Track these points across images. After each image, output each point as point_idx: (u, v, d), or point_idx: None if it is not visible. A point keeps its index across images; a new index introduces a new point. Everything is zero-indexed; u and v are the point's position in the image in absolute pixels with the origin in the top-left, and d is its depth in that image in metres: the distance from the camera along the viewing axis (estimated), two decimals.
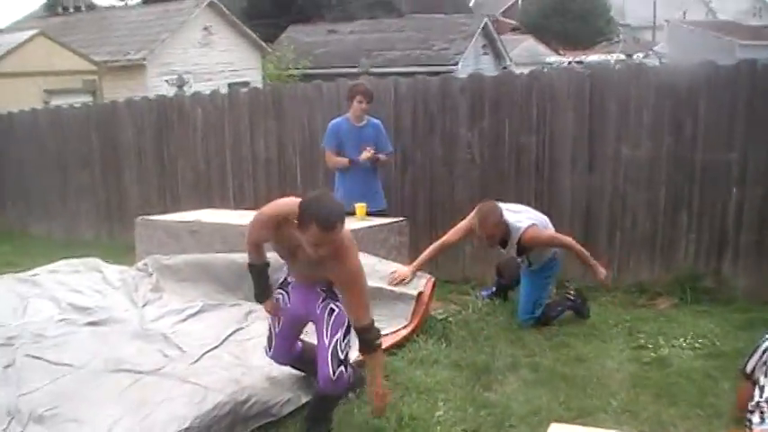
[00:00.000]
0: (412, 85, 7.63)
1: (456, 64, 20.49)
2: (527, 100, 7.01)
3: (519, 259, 5.71)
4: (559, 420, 3.84)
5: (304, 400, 4.03)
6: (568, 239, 5.65)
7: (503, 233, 5.44)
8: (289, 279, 3.92)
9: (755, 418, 3.19)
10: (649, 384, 4.51)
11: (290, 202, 3.53)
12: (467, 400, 4.27)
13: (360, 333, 3.56)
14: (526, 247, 5.49)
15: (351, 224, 6.00)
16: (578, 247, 5.59)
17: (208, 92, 9.46)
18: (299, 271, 3.77)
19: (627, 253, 6.76)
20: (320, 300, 3.70)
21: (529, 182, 7.06)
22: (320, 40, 22.03)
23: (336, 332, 3.59)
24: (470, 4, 45.68)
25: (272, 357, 4.03)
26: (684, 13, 52.36)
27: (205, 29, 21.82)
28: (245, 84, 19.21)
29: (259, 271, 3.85)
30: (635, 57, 25.56)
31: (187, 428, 3.56)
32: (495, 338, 5.32)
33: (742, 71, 6.23)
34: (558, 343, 5.28)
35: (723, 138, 6.26)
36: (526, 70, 7.56)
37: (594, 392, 4.38)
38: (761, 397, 3.26)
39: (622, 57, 25.14)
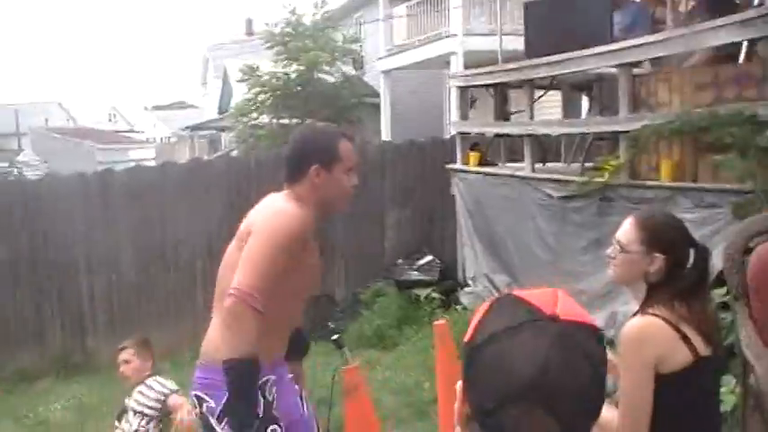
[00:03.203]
0: None
1: None
2: None
3: None
4: None
5: None
6: None
7: None
8: (270, 376, 2.41)
9: None
10: None
11: (279, 196, 2.45)
12: None
13: None
14: None
15: None
16: None
17: None
18: (294, 307, 2.50)
19: (2, 344, 7.72)
20: (301, 391, 2.70)
21: None
22: None
23: None
24: None
25: None
26: (47, 120, 53.66)
27: None
28: None
29: (254, 368, 2.22)
30: None
31: None
32: None
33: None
34: None
35: (68, 238, 7.76)
36: None
37: None
38: None
39: None
